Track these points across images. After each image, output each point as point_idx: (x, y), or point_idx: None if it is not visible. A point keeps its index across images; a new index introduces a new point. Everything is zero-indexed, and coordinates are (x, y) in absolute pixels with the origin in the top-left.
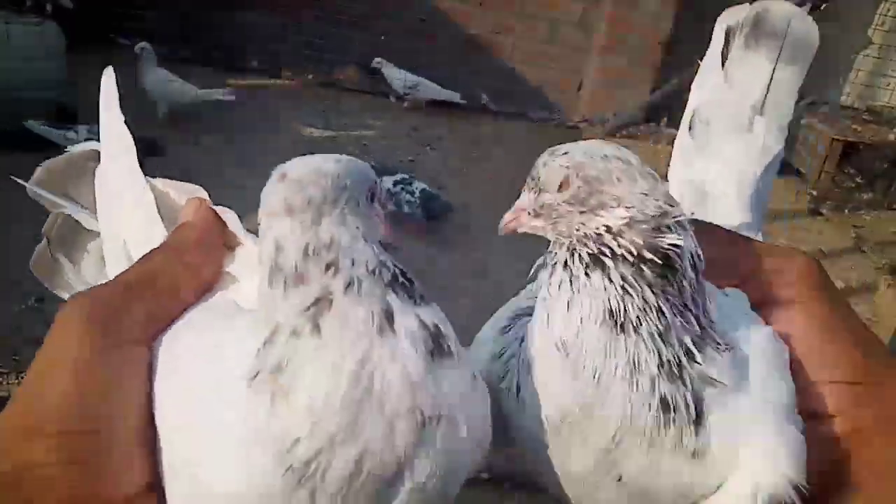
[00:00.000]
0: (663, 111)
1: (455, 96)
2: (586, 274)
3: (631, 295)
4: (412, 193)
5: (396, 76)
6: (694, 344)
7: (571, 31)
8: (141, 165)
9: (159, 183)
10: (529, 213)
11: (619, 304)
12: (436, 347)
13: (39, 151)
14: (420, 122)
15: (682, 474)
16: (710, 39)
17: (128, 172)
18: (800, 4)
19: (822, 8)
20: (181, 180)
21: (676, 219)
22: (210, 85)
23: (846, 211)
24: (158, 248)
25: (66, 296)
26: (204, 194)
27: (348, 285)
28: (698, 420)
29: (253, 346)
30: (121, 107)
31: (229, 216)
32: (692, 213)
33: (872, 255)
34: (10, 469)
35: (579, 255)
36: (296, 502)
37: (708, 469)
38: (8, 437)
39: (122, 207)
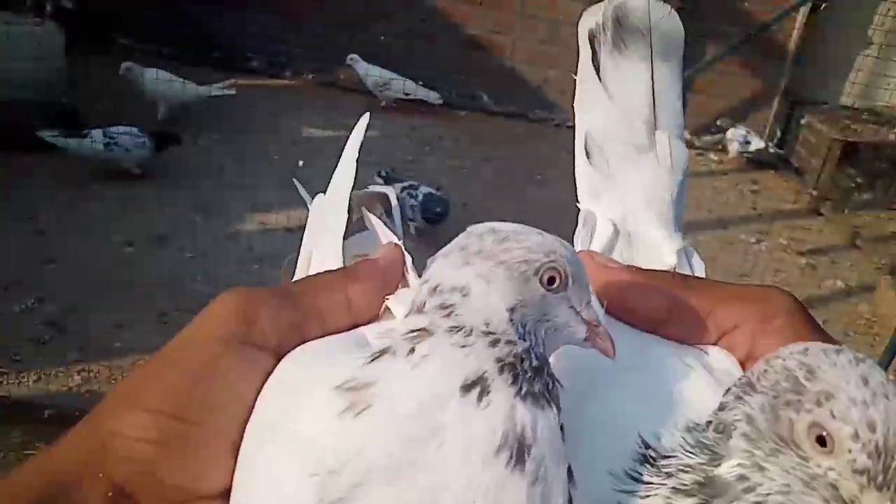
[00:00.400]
0: (717, 120)
1: (432, 96)
2: None
3: None
4: (416, 198)
5: (369, 73)
6: None
7: (571, 31)
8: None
9: (373, 219)
10: None
11: None
12: (516, 454)
13: (40, 152)
14: (419, 122)
15: None
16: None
17: (336, 200)
18: (800, 5)
19: (821, 8)
20: (181, 180)
21: None
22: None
23: (846, 211)
24: (332, 271)
25: None
26: (398, 241)
27: (454, 329)
28: None
29: (359, 362)
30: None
31: (407, 258)
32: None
33: (872, 254)
34: (99, 433)
35: None
36: None
37: None
38: (110, 402)
39: (321, 222)
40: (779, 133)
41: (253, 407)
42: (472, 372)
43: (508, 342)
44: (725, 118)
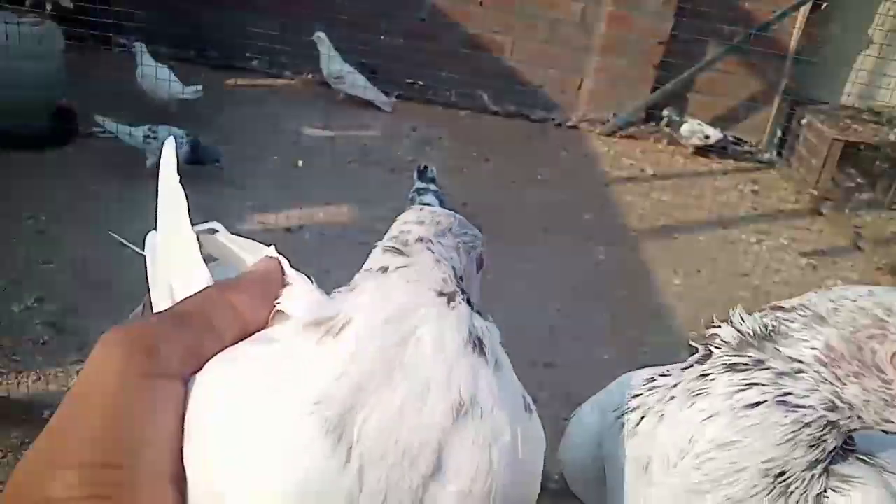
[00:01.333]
0: (663, 111)
1: (381, 99)
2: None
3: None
4: (412, 201)
5: (326, 61)
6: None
7: (571, 31)
8: (182, 167)
9: (223, 238)
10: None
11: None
12: (478, 347)
13: (39, 151)
14: (420, 122)
15: None
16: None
17: (177, 224)
18: (800, 5)
19: (822, 8)
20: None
21: None
22: (209, 84)
23: (846, 211)
24: (211, 286)
25: None
26: (273, 253)
27: (432, 251)
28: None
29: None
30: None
31: (283, 260)
32: None
33: (873, 254)
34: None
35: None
36: (343, 483)
37: None
38: (30, 469)
39: (169, 254)
40: (779, 133)
41: (175, 436)
42: (442, 281)
43: (460, 279)
44: (671, 108)
